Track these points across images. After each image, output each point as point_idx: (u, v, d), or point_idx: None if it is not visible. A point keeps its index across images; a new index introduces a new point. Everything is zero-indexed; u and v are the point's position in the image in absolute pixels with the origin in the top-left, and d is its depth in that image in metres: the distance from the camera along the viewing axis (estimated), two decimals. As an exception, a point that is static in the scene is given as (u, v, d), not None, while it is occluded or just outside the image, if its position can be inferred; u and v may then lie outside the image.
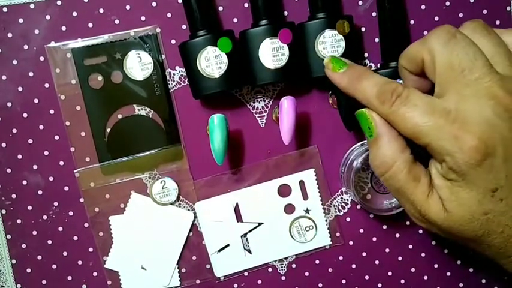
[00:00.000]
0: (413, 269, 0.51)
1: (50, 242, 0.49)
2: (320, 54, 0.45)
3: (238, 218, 0.50)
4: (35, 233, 0.49)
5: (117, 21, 0.47)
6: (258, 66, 0.45)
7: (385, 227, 0.51)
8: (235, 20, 0.48)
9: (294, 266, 0.50)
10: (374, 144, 0.36)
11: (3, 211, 0.48)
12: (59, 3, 0.47)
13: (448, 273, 0.51)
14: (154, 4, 0.47)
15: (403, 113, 0.33)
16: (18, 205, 0.48)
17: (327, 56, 0.42)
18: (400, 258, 0.51)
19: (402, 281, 0.51)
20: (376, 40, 0.49)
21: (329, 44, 0.45)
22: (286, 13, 0.48)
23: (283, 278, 0.51)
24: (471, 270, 0.51)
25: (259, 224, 0.50)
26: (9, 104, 0.47)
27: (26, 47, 0.47)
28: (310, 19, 0.46)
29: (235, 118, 0.49)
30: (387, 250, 0.51)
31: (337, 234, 0.50)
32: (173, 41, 0.48)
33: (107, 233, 0.49)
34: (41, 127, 0.48)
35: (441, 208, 0.33)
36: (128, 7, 0.47)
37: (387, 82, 0.35)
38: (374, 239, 0.51)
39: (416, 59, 0.35)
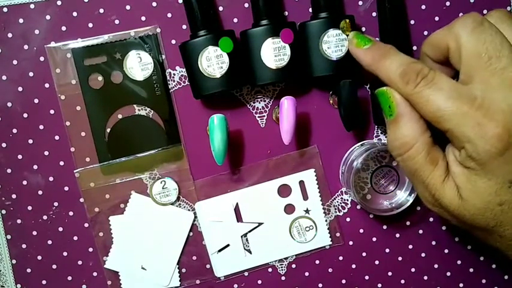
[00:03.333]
0: (413, 269, 0.51)
1: (50, 242, 0.49)
2: (324, 53, 0.45)
3: (238, 218, 0.50)
4: (35, 233, 0.49)
5: (117, 21, 0.47)
6: (260, 66, 0.45)
7: (385, 227, 0.51)
8: (235, 20, 0.48)
9: (294, 266, 0.50)
10: (394, 124, 0.35)
11: (3, 211, 0.48)
12: (59, 3, 0.47)
13: (448, 273, 0.51)
14: (154, 4, 0.47)
15: (427, 95, 0.32)
16: (18, 205, 0.48)
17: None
18: (400, 258, 0.51)
19: (402, 281, 0.51)
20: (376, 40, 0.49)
21: (333, 43, 0.45)
22: (286, 13, 0.48)
23: (283, 278, 0.51)
24: (471, 270, 0.51)
25: (259, 224, 0.50)
26: (9, 104, 0.47)
27: (26, 47, 0.47)
28: (313, 18, 0.46)
29: (235, 118, 0.49)
30: (387, 250, 0.51)
31: (337, 234, 0.50)
32: (173, 41, 0.48)
33: (107, 233, 0.49)
34: (41, 127, 0.48)
35: (456, 195, 0.33)
36: (127, 7, 0.47)
37: (413, 62, 0.34)
38: (374, 239, 0.51)
39: (440, 46, 0.34)
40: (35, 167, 0.48)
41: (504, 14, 0.34)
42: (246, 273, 0.50)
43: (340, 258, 0.51)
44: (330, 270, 0.51)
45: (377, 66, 0.36)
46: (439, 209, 0.35)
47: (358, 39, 0.39)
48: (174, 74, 0.48)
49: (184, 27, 0.48)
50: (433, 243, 0.51)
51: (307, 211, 0.50)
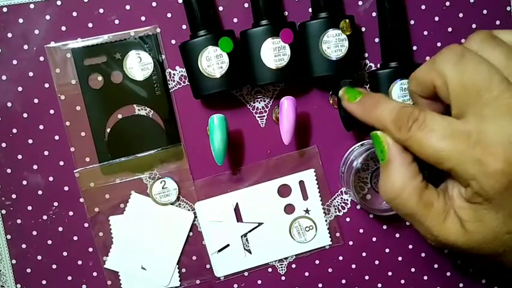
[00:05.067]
0: (413, 269, 0.51)
1: (50, 242, 0.49)
2: (324, 53, 0.45)
3: (238, 218, 0.50)
4: (35, 233, 0.49)
5: (117, 21, 0.47)
6: (260, 66, 0.45)
7: (385, 227, 0.51)
8: (235, 20, 0.48)
9: (294, 266, 0.50)
10: (385, 170, 0.35)
11: (3, 211, 0.48)
12: (59, 3, 0.47)
13: (448, 273, 0.51)
14: (154, 4, 0.47)
15: (420, 139, 0.32)
16: (18, 205, 0.48)
17: (341, 85, 0.41)
18: (400, 258, 0.51)
19: (402, 281, 0.51)
20: (376, 40, 0.49)
21: (333, 43, 0.45)
22: (286, 13, 0.48)
23: (283, 278, 0.51)
24: (471, 270, 0.51)
25: (259, 224, 0.50)
26: (9, 104, 0.47)
27: (26, 47, 0.47)
28: (313, 18, 0.46)
29: (235, 118, 0.49)
30: (387, 250, 0.51)
31: (337, 234, 0.50)
32: (173, 41, 0.48)
33: (107, 233, 0.49)
34: (41, 127, 0.48)
35: (460, 229, 0.32)
36: (127, 7, 0.47)
37: (403, 107, 0.34)
38: (374, 239, 0.51)
39: (426, 83, 0.33)
40: (35, 167, 0.48)
41: (486, 36, 0.32)
42: (246, 273, 0.50)
43: (340, 258, 0.51)
44: (330, 270, 0.51)
45: (370, 116, 0.36)
46: (443, 246, 0.34)
47: (348, 93, 0.39)
48: (174, 74, 0.48)
49: (184, 27, 0.48)
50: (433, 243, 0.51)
51: (307, 211, 0.50)
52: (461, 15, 0.49)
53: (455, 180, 0.33)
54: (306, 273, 0.51)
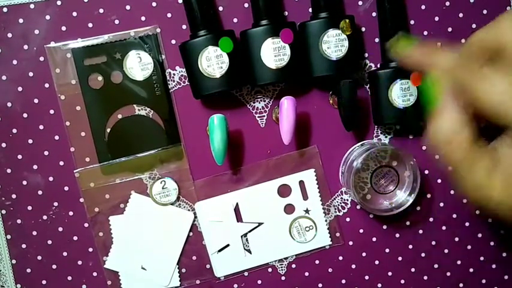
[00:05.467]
0: (413, 269, 0.51)
1: (50, 242, 0.49)
2: (324, 53, 0.45)
3: (238, 218, 0.50)
4: (35, 233, 0.49)
5: (117, 21, 0.47)
6: (260, 66, 0.45)
7: (385, 227, 0.51)
8: (235, 20, 0.48)
9: (294, 266, 0.50)
10: (438, 116, 0.35)
11: (3, 211, 0.48)
12: (59, 3, 0.47)
13: (448, 273, 0.51)
14: (154, 4, 0.47)
15: (493, 81, 0.31)
16: (18, 205, 0.48)
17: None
18: (400, 258, 0.51)
19: (402, 281, 0.51)
20: (376, 40, 0.49)
21: (333, 43, 0.45)
22: (286, 13, 0.48)
23: (283, 278, 0.51)
24: (471, 270, 0.51)
25: (259, 224, 0.50)
26: (9, 104, 0.47)
27: (26, 47, 0.47)
28: (313, 18, 0.46)
29: (235, 118, 0.49)
30: (387, 250, 0.51)
31: (337, 234, 0.50)
32: (173, 41, 0.48)
33: (107, 233, 0.49)
34: (41, 127, 0.48)
35: (506, 186, 0.32)
36: (128, 7, 0.47)
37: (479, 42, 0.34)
38: (374, 239, 0.51)
39: (491, 45, 0.33)
40: (35, 167, 0.48)
41: None
42: (246, 273, 0.50)
43: (340, 258, 0.51)
44: (330, 270, 0.51)
45: (434, 55, 0.36)
46: (485, 202, 0.33)
47: (403, 41, 0.39)
48: (174, 74, 0.48)
49: (184, 27, 0.48)
50: (433, 243, 0.51)
51: (307, 211, 0.50)
52: (461, 15, 0.49)
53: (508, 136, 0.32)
54: (306, 273, 0.51)
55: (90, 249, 0.49)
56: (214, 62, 0.44)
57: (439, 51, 0.36)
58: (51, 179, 0.48)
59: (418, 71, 0.40)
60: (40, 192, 0.48)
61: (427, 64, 0.36)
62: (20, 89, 0.47)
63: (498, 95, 0.31)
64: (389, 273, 0.51)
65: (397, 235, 0.51)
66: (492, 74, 0.32)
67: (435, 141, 0.35)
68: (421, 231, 0.51)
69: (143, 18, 0.47)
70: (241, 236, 0.50)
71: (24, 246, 0.49)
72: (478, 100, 0.32)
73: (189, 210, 0.49)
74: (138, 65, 0.47)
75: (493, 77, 0.32)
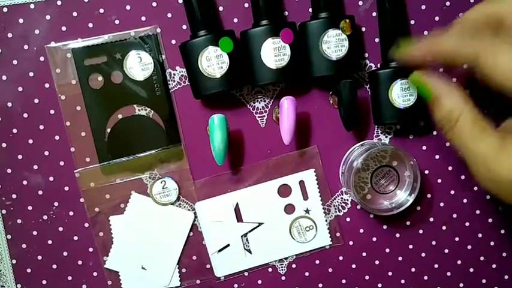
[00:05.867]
0: (413, 269, 0.51)
1: (50, 242, 0.49)
2: (324, 53, 0.45)
3: (238, 218, 0.50)
4: (35, 233, 0.49)
5: (117, 21, 0.47)
6: (260, 66, 0.45)
7: (385, 227, 0.51)
8: (235, 20, 0.48)
9: (294, 266, 0.51)
10: (435, 103, 0.35)
11: (3, 211, 0.48)
12: (59, 3, 0.47)
13: (448, 273, 0.51)
14: (154, 4, 0.47)
15: (502, 46, 0.32)
16: (18, 205, 0.48)
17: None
18: (400, 258, 0.51)
19: (402, 281, 0.51)
20: (376, 40, 0.49)
21: (333, 43, 0.45)
22: (286, 13, 0.48)
23: (283, 278, 0.51)
24: (471, 270, 0.51)
25: (259, 224, 0.50)
26: (9, 104, 0.47)
27: (26, 47, 0.47)
28: (313, 18, 0.46)
29: (235, 118, 0.49)
30: (387, 250, 0.51)
31: (337, 234, 0.50)
32: (173, 41, 0.48)
33: (107, 233, 0.49)
34: (41, 127, 0.48)
35: None
36: (128, 7, 0.47)
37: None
38: (374, 239, 0.51)
39: (492, 17, 0.34)
40: (35, 167, 0.48)
41: None
42: (246, 273, 0.50)
43: (340, 258, 0.51)
44: (330, 270, 0.51)
45: (435, 44, 0.36)
46: (494, 183, 0.33)
47: (403, 44, 0.39)
48: (174, 74, 0.48)
49: (184, 27, 0.48)
50: (433, 243, 0.51)
51: (307, 211, 0.50)
52: (461, 15, 0.49)
53: None
54: (306, 273, 0.51)
55: (90, 249, 0.49)
56: (214, 62, 0.44)
57: (439, 36, 0.36)
58: (51, 179, 0.48)
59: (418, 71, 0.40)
60: (40, 192, 0.48)
61: (433, 51, 0.36)
62: (20, 89, 0.47)
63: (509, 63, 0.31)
64: (390, 273, 0.51)
65: (397, 235, 0.51)
66: (501, 43, 0.32)
67: (442, 125, 0.35)
68: (421, 231, 0.51)
69: (143, 18, 0.47)
70: (242, 236, 0.50)
71: (24, 246, 0.49)
72: (492, 70, 0.32)
73: (189, 210, 0.49)
74: (138, 65, 0.47)
75: (503, 47, 0.32)
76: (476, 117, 0.34)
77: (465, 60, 0.34)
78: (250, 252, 0.50)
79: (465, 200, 0.51)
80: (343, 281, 0.51)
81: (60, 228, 0.49)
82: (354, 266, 0.51)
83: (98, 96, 0.48)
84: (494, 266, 0.51)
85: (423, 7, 0.49)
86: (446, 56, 0.36)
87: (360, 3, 0.49)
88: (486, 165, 0.33)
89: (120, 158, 0.48)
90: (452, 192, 0.51)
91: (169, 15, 0.48)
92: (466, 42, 0.34)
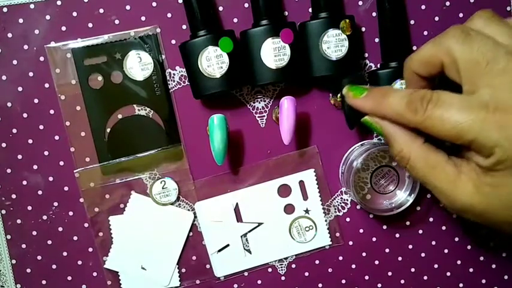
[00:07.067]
0: (413, 269, 0.51)
1: (50, 242, 0.49)
2: (324, 53, 0.45)
3: (238, 218, 0.50)
4: (35, 233, 0.49)
5: (117, 21, 0.47)
6: (260, 66, 0.45)
7: (385, 227, 0.51)
8: (235, 20, 0.48)
9: (294, 266, 0.50)
10: (389, 141, 0.37)
11: (3, 211, 0.48)
12: (59, 3, 0.47)
13: (448, 273, 0.51)
14: (154, 4, 0.47)
15: (440, 115, 0.32)
16: (18, 205, 0.48)
17: (344, 86, 0.41)
18: (400, 258, 0.51)
19: (402, 281, 0.51)
20: (376, 40, 0.49)
21: (333, 43, 0.45)
22: (286, 13, 0.48)
23: (283, 278, 0.51)
24: (471, 270, 0.51)
25: (259, 224, 0.50)
26: (9, 104, 0.47)
27: (26, 47, 0.47)
28: (313, 18, 0.46)
29: (235, 118, 0.49)
30: (387, 250, 0.51)
31: (337, 234, 0.50)
32: (173, 41, 0.48)
33: (107, 233, 0.49)
34: (41, 127, 0.48)
35: (474, 192, 0.33)
36: (128, 7, 0.47)
37: (414, 91, 0.35)
38: (374, 239, 0.51)
39: (432, 62, 0.34)
40: (35, 167, 0.48)
41: (489, 15, 0.35)
42: (245, 273, 0.50)
43: (340, 258, 0.51)
44: (330, 270, 0.51)
45: (381, 107, 0.37)
46: (458, 210, 0.35)
47: (353, 91, 0.39)
48: (174, 74, 0.48)
49: (184, 27, 0.48)
50: (433, 243, 0.51)
51: (307, 211, 0.50)
52: (461, 15, 0.49)
53: (476, 152, 0.33)
54: (306, 273, 0.51)
55: (90, 249, 0.49)
56: (214, 62, 0.44)
57: (390, 91, 0.36)
58: (51, 179, 0.48)
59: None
60: (40, 192, 0.48)
61: (382, 109, 0.37)
62: (20, 89, 0.47)
63: (457, 113, 0.32)
64: (389, 273, 0.51)
65: (397, 235, 0.51)
66: (445, 95, 0.33)
67: (398, 162, 0.37)
68: (421, 231, 0.51)
69: (143, 18, 0.47)
70: (241, 236, 0.50)
71: (24, 246, 0.49)
72: (437, 129, 0.33)
73: (189, 210, 0.49)
74: (138, 65, 0.47)
75: (448, 98, 0.33)
76: (426, 154, 0.35)
77: (409, 126, 0.35)
78: (250, 252, 0.50)
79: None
80: (343, 281, 0.51)
81: (60, 228, 0.49)
82: (353, 266, 0.51)
83: (98, 96, 0.48)
84: (494, 266, 0.51)
85: (423, 7, 0.49)
86: (391, 118, 0.36)
87: (360, 3, 0.49)
88: (445, 197, 0.34)
89: (120, 158, 0.48)
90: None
91: (169, 15, 0.48)
92: (407, 113, 0.35)
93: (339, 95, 0.48)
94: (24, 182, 0.48)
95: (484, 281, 0.52)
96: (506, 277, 0.52)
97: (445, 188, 0.34)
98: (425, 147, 0.35)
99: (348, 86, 0.40)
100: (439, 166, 0.34)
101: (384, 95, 0.37)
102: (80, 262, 0.49)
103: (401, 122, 0.35)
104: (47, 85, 0.47)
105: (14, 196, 0.48)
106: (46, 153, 0.48)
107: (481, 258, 0.51)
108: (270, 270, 0.50)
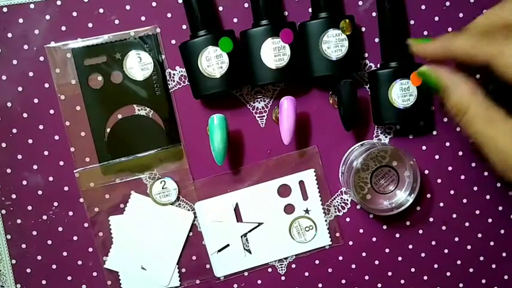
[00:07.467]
0: (413, 269, 0.51)
1: (50, 242, 0.49)
2: (324, 53, 0.45)
3: (238, 218, 0.50)
4: (35, 233, 0.49)
5: (117, 21, 0.47)
6: (260, 66, 0.45)
7: (385, 227, 0.51)
8: (235, 20, 0.48)
9: (293, 266, 0.50)
10: (446, 94, 0.36)
11: (3, 211, 0.48)
12: (59, 3, 0.47)
13: (448, 273, 0.51)
14: (154, 4, 0.47)
15: None
16: (18, 205, 0.48)
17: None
18: (400, 258, 0.51)
19: (402, 281, 0.51)
20: (376, 40, 0.49)
21: (333, 43, 0.45)
22: (286, 13, 0.48)
23: (283, 278, 0.51)
24: (471, 270, 0.51)
25: (259, 224, 0.50)
26: (9, 104, 0.47)
27: (26, 47, 0.47)
28: (313, 18, 0.46)
29: (235, 118, 0.49)
30: (387, 250, 0.51)
31: (337, 234, 0.50)
32: (173, 41, 0.48)
33: (107, 233, 0.49)
34: (41, 127, 0.48)
35: None
36: (128, 7, 0.47)
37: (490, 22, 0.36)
38: (374, 239, 0.51)
39: (478, 59, 0.35)
40: (35, 167, 0.48)
41: None
42: (245, 273, 0.50)
43: (340, 258, 0.51)
44: (330, 270, 0.51)
45: (452, 43, 0.36)
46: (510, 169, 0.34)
47: (420, 40, 0.40)
48: (174, 74, 0.48)
49: (184, 27, 0.48)
50: (433, 243, 0.51)
51: (307, 211, 0.50)
52: (461, 15, 0.49)
53: None
54: (306, 273, 0.51)
55: (90, 249, 0.49)
56: (214, 62, 0.44)
57: (454, 36, 0.36)
58: (51, 179, 0.48)
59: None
60: (40, 192, 0.48)
61: (449, 50, 0.37)
62: (20, 89, 0.47)
63: None
64: (389, 273, 0.51)
65: (397, 235, 0.51)
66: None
67: (454, 116, 0.36)
68: (421, 231, 0.51)
69: (143, 18, 0.47)
70: (241, 236, 0.50)
71: (24, 246, 0.49)
72: (506, 70, 0.33)
73: (189, 210, 0.49)
74: (138, 65, 0.47)
75: None
76: (486, 107, 0.34)
77: (479, 61, 0.35)
78: (249, 252, 0.50)
79: (465, 200, 0.51)
80: (343, 281, 0.51)
81: (60, 228, 0.49)
82: (353, 266, 0.51)
83: (98, 96, 0.48)
84: (494, 266, 0.51)
85: (423, 7, 0.49)
86: (461, 56, 0.36)
87: (360, 3, 0.49)
88: (499, 154, 0.34)
89: (119, 158, 0.48)
90: (452, 192, 0.51)
91: (169, 15, 0.48)
92: (481, 44, 0.35)
93: (333, 95, 0.48)
94: (24, 182, 0.48)
95: (484, 281, 0.52)
96: (506, 277, 0.52)
97: (501, 145, 0.33)
98: (485, 100, 0.34)
99: (412, 39, 0.40)
100: (499, 121, 0.34)
101: (454, 35, 0.37)
102: (80, 262, 0.49)
103: (470, 59, 0.35)
104: (47, 85, 0.47)
105: (14, 196, 0.48)
106: (46, 153, 0.48)
107: (481, 258, 0.51)
108: (270, 270, 0.50)
